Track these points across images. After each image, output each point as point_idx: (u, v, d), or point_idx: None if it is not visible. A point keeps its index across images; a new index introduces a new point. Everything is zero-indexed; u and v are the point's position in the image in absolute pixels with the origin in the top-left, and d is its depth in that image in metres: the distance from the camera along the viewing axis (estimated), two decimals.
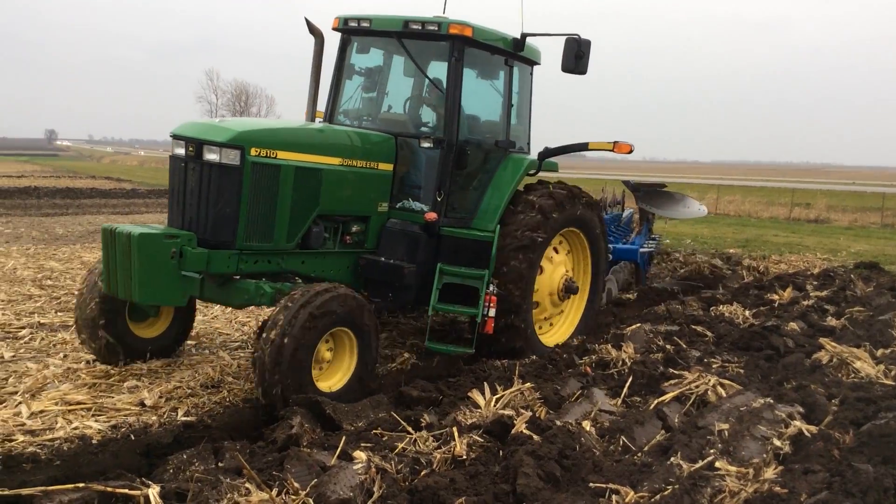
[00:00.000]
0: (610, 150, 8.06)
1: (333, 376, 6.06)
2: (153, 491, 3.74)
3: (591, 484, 4.28)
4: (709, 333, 8.49)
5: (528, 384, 5.97)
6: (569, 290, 8.29)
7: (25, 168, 46.94)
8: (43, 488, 3.90)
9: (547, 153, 8.36)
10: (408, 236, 7.35)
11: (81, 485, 3.92)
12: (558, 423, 5.15)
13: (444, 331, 8.73)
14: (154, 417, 5.65)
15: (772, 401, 5.70)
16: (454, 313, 7.81)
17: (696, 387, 6.15)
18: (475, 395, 5.72)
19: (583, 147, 8.27)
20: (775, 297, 11.00)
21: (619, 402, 6.06)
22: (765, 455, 4.78)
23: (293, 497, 3.79)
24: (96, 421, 5.51)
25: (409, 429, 5.05)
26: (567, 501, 3.95)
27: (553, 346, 8.00)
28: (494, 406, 5.53)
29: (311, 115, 7.92)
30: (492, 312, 7.14)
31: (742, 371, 6.94)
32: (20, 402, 5.70)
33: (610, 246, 10.78)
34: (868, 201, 40.96)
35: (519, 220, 7.64)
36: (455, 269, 7.32)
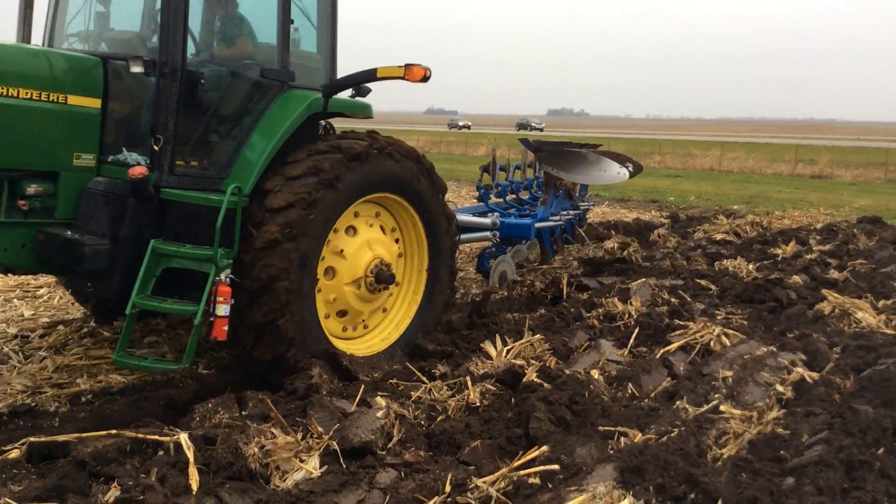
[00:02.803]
0: (401, 78, 5.91)
1: None
2: (184, 436, 3.92)
3: (600, 427, 4.46)
4: (713, 287, 8.63)
5: (537, 336, 6.13)
6: (381, 279, 6.00)
7: None
8: (77, 435, 4.09)
9: (331, 88, 6.12)
10: (111, 201, 5.26)
11: (114, 431, 4.11)
12: (567, 371, 5.34)
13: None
14: None
15: (775, 349, 5.86)
16: (162, 311, 5.40)
17: (701, 337, 6.33)
18: (487, 346, 5.89)
19: (371, 75, 6.02)
20: (778, 251, 11.13)
21: (626, 352, 6.23)
22: (768, 400, 4.95)
23: (317, 440, 3.98)
24: (120, 374, 5.70)
25: (424, 379, 5.22)
26: (578, 443, 4.13)
27: (369, 355, 5.93)
28: (506, 357, 5.70)
29: (24, 36, 6.22)
30: (222, 311, 5.04)
31: (746, 322, 7.10)
32: (45, 357, 5.89)
33: (497, 220, 9.33)
34: (872, 157, 40.96)
35: (286, 182, 5.47)
36: (172, 248, 5.19)
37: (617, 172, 10.81)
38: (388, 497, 3.66)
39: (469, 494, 3.62)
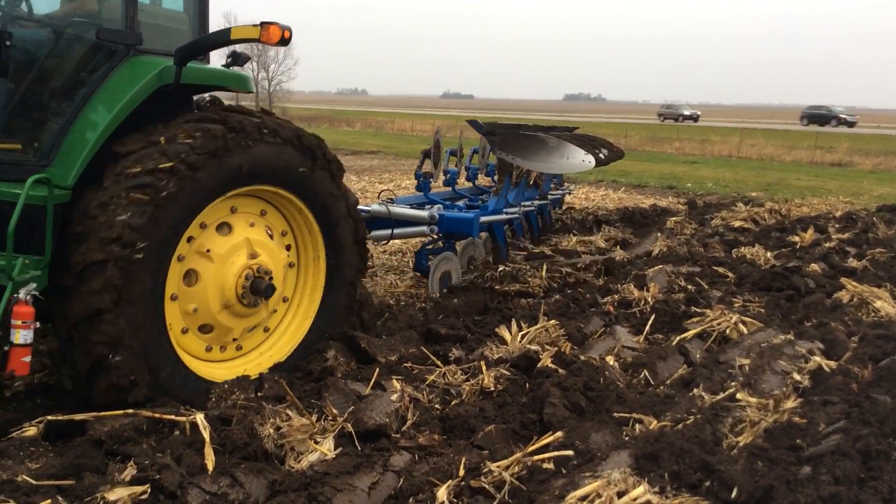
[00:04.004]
0: (257, 40, 4.83)
1: None
2: (200, 417, 3.94)
3: (615, 414, 4.45)
4: (730, 274, 8.57)
5: (552, 321, 6.11)
6: (257, 290, 4.89)
7: None
8: (94, 414, 4.11)
9: (184, 54, 4.76)
10: None
11: (131, 411, 4.13)
12: (583, 357, 5.32)
13: None
14: None
15: (792, 337, 5.81)
16: None
17: (718, 324, 6.29)
18: (502, 331, 5.89)
19: (225, 36, 4.91)
20: (797, 239, 11.04)
21: (642, 338, 6.20)
22: (785, 388, 4.91)
23: (332, 422, 3.99)
24: None
25: (438, 363, 5.22)
26: (592, 429, 4.12)
27: (260, 373, 4.87)
28: (520, 342, 5.70)
29: None
30: (20, 338, 4.00)
31: (763, 310, 7.05)
32: None
33: (436, 213, 7.92)
34: (893, 144, 40.52)
35: (124, 171, 4.30)
36: None
37: (581, 160, 9.33)
38: (401, 479, 3.67)
39: (483, 478, 3.62)
